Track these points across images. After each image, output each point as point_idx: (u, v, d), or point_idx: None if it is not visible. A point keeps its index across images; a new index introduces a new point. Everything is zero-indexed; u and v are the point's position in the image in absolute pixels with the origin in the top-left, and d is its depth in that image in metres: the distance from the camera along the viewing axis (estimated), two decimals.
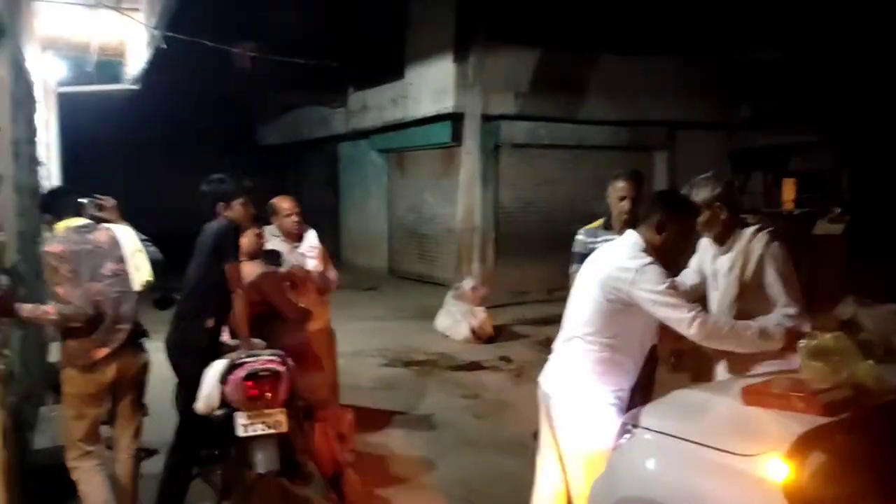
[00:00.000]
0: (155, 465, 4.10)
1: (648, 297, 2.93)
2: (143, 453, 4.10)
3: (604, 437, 2.94)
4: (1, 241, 3.51)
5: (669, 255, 3.14)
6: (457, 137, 12.03)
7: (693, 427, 2.58)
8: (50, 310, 3.54)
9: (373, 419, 5.75)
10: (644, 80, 12.79)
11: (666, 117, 13.34)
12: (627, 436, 2.77)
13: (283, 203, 5.01)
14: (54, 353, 5.43)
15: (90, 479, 3.64)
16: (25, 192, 5.23)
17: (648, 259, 2.99)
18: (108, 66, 8.44)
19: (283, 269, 4.58)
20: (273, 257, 4.53)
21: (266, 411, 3.60)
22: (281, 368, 3.67)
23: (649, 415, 2.76)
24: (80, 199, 3.85)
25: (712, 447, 2.43)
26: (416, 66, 13.15)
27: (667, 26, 12.23)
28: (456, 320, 9.32)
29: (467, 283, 10.13)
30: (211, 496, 4.08)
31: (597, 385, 3.05)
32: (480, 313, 9.34)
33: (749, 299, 3.26)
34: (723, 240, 3.38)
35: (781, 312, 3.18)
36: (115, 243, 3.77)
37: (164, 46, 6.46)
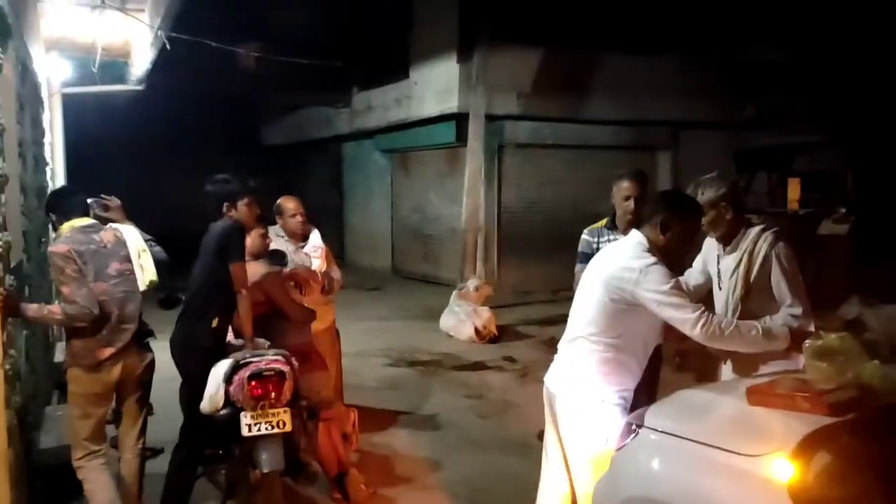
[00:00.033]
0: (160, 465, 4.11)
1: (653, 298, 2.93)
2: (149, 452, 4.12)
3: (608, 437, 2.94)
4: (7, 241, 3.52)
5: (674, 255, 3.13)
6: (461, 137, 12.05)
7: (698, 427, 2.57)
8: (55, 309, 3.55)
9: (377, 419, 5.75)
10: (647, 80, 12.78)
11: (669, 117, 13.33)
12: (632, 436, 2.77)
13: (288, 203, 5.02)
14: (60, 353, 5.45)
15: (96, 479, 3.65)
16: (31, 192, 5.25)
17: (653, 259, 2.99)
18: (113, 67, 8.45)
19: (287, 269, 4.58)
20: (278, 257, 4.53)
21: (270, 411, 3.61)
22: (285, 368, 3.68)
23: (654, 415, 2.75)
24: (85, 200, 3.86)
25: (717, 447, 2.43)
26: (420, 66, 13.16)
27: (670, 26, 12.21)
28: (460, 320, 9.32)
29: (471, 283, 10.14)
30: (216, 495, 4.10)
31: (601, 385, 3.05)
32: (485, 313, 9.35)
33: (754, 299, 3.26)
34: (728, 240, 3.37)
35: (787, 312, 3.18)
36: (120, 243, 3.78)
37: (168, 47, 6.46)
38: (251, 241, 4.14)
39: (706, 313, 2.91)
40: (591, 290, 3.13)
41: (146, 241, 3.94)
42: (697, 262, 3.66)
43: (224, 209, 4.00)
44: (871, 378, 2.55)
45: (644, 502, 2.62)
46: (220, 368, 3.67)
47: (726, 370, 3.40)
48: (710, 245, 3.54)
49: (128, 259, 3.77)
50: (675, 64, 12.90)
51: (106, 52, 7.05)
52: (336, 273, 5.10)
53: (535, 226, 12.98)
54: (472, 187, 11.49)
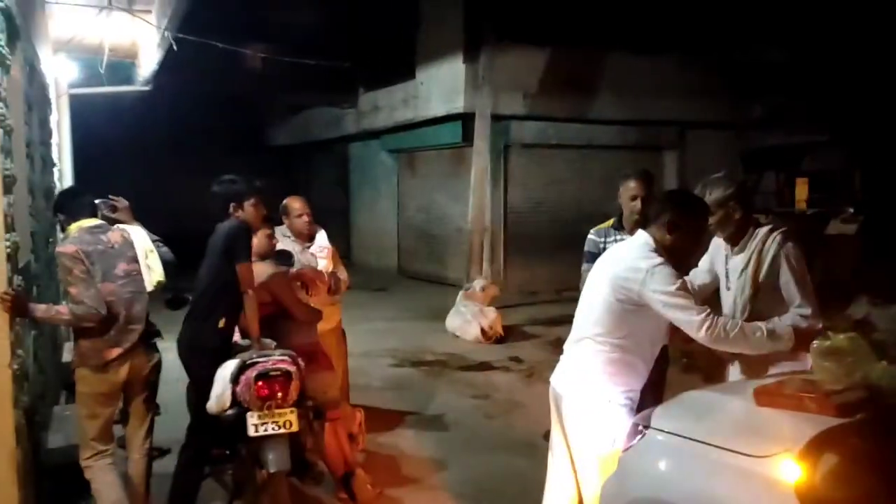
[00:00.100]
0: (167, 465, 4.12)
1: (659, 299, 2.92)
2: (156, 452, 4.13)
3: (615, 438, 2.93)
4: (15, 241, 3.53)
5: (680, 255, 3.12)
6: (467, 137, 12.05)
7: (705, 428, 2.57)
8: (63, 310, 3.57)
9: (383, 419, 5.76)
10: (653, 80, 12.76)
11: (676, 117, 13.30)
12: (639, 437, 2.76)
13: (295, 203, 5.02)
14: (68, 353, 5.47)
15: (103, 478, 3.66)
16: (39, 192, 5.27)
17: (659, 259, 2.98)
18: (120, 68, 8.50)
19: (293, 270, 4.59)
20: (285, 258, 4.54)
21: (277, 411, 3.61)
22: (292, 368, 3.69)
23: (661, 416, 2.75)
24: (93, 200, 3.88)
25: (724, 448, 2.42)
26: (426, 66, 13.16)
27: (676, 26, 12.18)
28: (466, 320, 9.32)
29: (477, 283, 10.13)
30: (222, 495, 4.11)
31: (608, 386, 3.04)
32: (491, 313, 9.34)
33: (763, 299, 3.25)
34: (736, 240, 3.36)
35: (796, 313, 3.17)
36: (127, 244, 3.80)
37: (175, 48, 6.48)
38: (257, 241, 4.14)
39: (711, 315, 2.90)
40: (597, 290, 3.13)
41: (153, 241, 3.95)
42: (704, 261, 3.65)
43: (230, 209, 4.01)
44: (880, 379, 2.54)
45: (651, 503, 2.61)
46: (227, 369, 3.68)
47: (734, 371, 3.39)
48: (718, 245, 3.53)
49: (135, 260, 3.79)
50: (680, 63, 12.87)
51: (113, 53, 7.09)
52: (342, 273, 5.11)
53: (541, 226, 12.97)
54: (478, 187, 11.49)
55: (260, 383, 3.59)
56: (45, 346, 5.05)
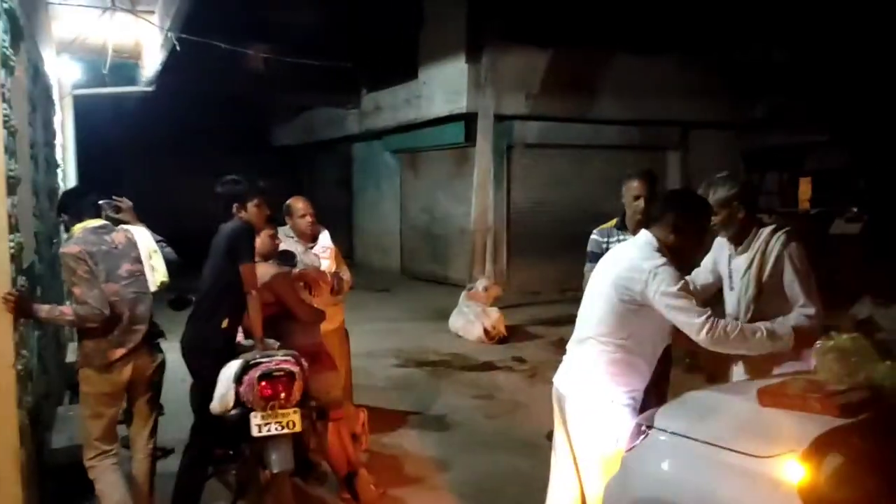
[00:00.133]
0: (171, 465, 4.12)
1: (661, 300, 2.92)
2: (160, 452, 4.14)
3: (618, 438, 2.93)
4: (19, 242, 3.54)
5: (683, 255, 3.13)
6: (470, 138, 12.06)
7: (708, 428, 2.56)
8: (67, 310, 3.57)
9: (386, 419, 5.76)
10: (656, 80, 12.74)
11: (678, 117, 13.29)
12: (642, 437, 2.76)
13: (298, 203, 5.03)
14: (72, 353, 5.48)
15: (107, 478, 3.67)
16: (43, 193, 5.28)
17: (662, 260, 2.98)
18: (124, 69, 8.51)
19: (296, 270, 4.59)
20: (287, 258, 4.54)
21: (280, 411, 3.61)
22: (295, 369, 3.69)
23: (664, 416, 2.75)
24: (97, 201, 3.88)
25: (728, 448, 2.42)
26: (428, 66, 13.17)
27: (678, 26, 12.17)
28: (469, 321, 9.32)
29: (480, 284, 10.13)
30: (226, 495, 4.11)
31: (611, 386, 3.04)
32: (493, 313, 9.34)
33: (766, 299, 3.25)
34: (740, 240, 3.36)
35: (800, 312, 3.17)
36: (131, 244, 3.80)
37: (178, 48, 6.50)
38: (261, 241, 4.15)
39: (711, 318, 2.89)
40: (600, 290, 3.12)
41: (157, 242, 3.95)
42: (707, 261, 3.64)
43: (234, 210, 4.02)
44: (883, 379, 2.54)
45: (654, 503, 2.61)
46: (231, 369, 3.68)
47: (737, 371, 3.39)
48: (721, 244, 3.52)
49: (139, 260, 3.79)
50: (683, 64, 12.86)
51: (116, 54, 7.10)
52: (345, 274, 5.11)
53: (544, 226, 12.96)
54: (481, 187, 11.49)
55: (263, 383, 3.59)
56: (49, 346, 5.07)
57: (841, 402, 2.42)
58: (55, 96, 7.59)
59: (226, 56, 7.72)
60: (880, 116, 12.13)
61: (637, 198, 4.07)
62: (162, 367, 3.88)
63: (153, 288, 3.82)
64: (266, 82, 14.15)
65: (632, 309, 3.00)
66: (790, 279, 3.21)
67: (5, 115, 3.35)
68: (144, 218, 4.10)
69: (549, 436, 3.40)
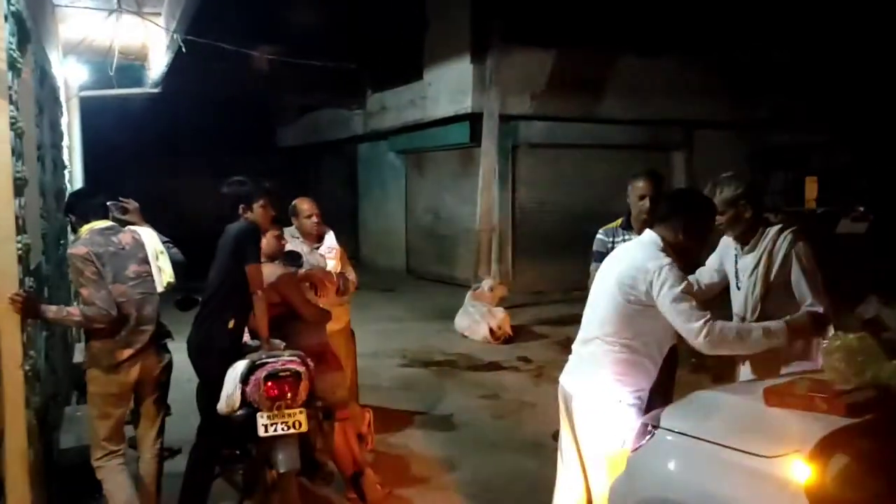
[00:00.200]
0: (178, 465, 4.14)
1: (663, 301, 2.92)
2: (167, 452, 4.15)
3: (624, 438, 2.93)
4: (26, 243, 3.56)
5: (688, 255, 3.12)
6: (475, 138, 12.06)
7: (714, 428, 2.56)
8: (74, 311, 3.59)
9: (392, 419, 5.77)
10: (660, 80, 12.72)
11: (683, 116, 13.25)
12: (648, 437, 2.76)
13: (303, 204, 5.04)
14: (79, 354, 5.50)
15: (115, 479, 3.68)
16: (50, 194, 5.30)
17: (668, 260, 2.98)
18: (130, 70, 8.53)
19: (302, 271, 4.60)
20: (293, 258, 4.55)
21: (287, 411, 3.62)
22: (301, 369, 3.70)
23: (670, 416, 2.74)
24: (104, 202, 3.90)
25: (734, 448, 2.42)
26: (433, 67, 13.17)
27: (682, 26, 12.14)
28: (475, 320, 9.32)
29: (486, 283, 10.14)
30: (233, 495, 4.12)
31: (617, 386, 3.04)
32: (499, 313, 9.34)
33: (773, 299, 3.24)
34: (746, 239, 3.35)
35: (807, 311, 3.16)
36: (138, 245, 3.81)
37: (184, 50, 6.51)
38: (266, 242, 4.16)
39: (709, 323, 2.88)
40: (605, 290, 3.12)
41: (163, 243, 3.97)
42: (712, 260, 3.63)
43: (240, 211, 4.03)
44: (890, 378, 2.53)
45: (660, 503, 2.61)
46: (237, 369, 3.69)
47: (744, 371, 3.38)
48: (727, 244, 3.52)
49: (146, 261, 3.80)
50: (688, 63, 12.83)
51: (123, 56, 7.11)
52: (351, 274, 5.12)
53: (550, 225, 12.96)
54: (486, 187, 11.49)
55: (269, 384, 3.60)
56: (56, 347, 5.09)
57: (847, 401, 2.42)
58: (62, 98, 7.62)
59: (231, 57, 7.73)
60: (881, 116, 12.09)
61: (642, 197, 4.07)
62: (169, 367, 3.90)
63: (160, 289, 3.83)
64: (271, 83, 14.20)
65: (637, 309, 3.00)
66: (797, 278, 3.21)
67: (12, 118, 3.36)
68: (151, 219, 4.11)
69: (555, 435, 3.40)
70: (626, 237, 4.05)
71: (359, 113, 16.16)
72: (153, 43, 7.60)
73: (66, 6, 6.11)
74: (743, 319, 3.32)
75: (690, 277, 3.36)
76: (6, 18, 3.34)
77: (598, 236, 4.28)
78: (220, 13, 8.07)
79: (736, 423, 2.58)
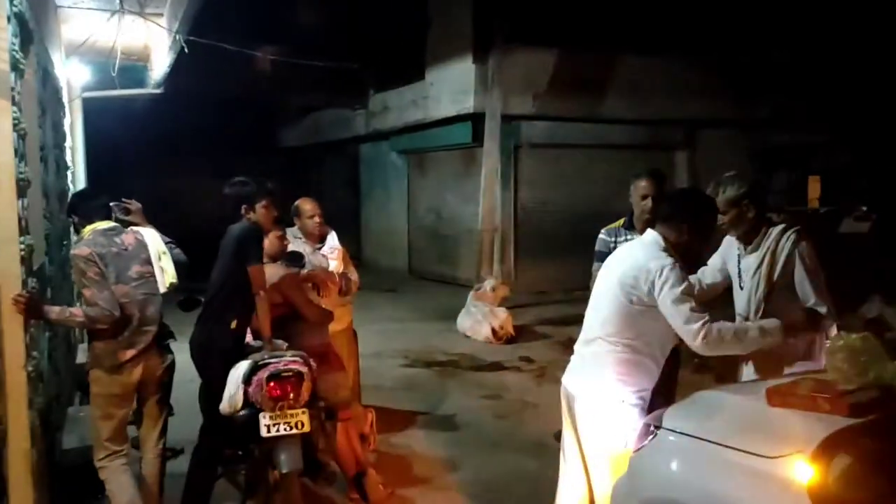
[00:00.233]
0: (180, 465, 4.15)
1: (664, 300, 2.92)
2: (169, 453, 4.16)
3: (627, 438, 2.93)
4: (29, 244, 3.57)
5: (690, 254, 3.12)
6: (477, 138, 12.06)
7: (717, 428, 2.56)
8: (77, 312, 3.60)
9: (395, 419, 5.77)
10: (663, 80, 12.72)
11: (685, 116, 13.24)
12: (650, 437, 2.76)
13: (306, 205, 5.04)
14: (82, 354, 5.51)
15: (117, 479, 3.69)
16: (53, 195, 5.31)
17: (670, 260, 2.98)
18: (132, 71, 8.55)
19: (304, 271, 4.61)
20: (296, 259, 4.56)
21: (289, 412, 3.62)
22: (303, 369, 3.70)
23: (672, 416, 2.74)
24: (107, 203, 3.91)
25: (736, 448, 2.42)
26: (435, 67, 13.18)
27: (684, 25, 12.13)
28: (477, 321, 9.32)
29: (488, 284, 10.13)
30: (235, 495, 4.13)
31: (619, 386, 3.04)
32: (501, 313, 9.34)
33: (777, 299, 3.24)
34: (749, 239, 3.35)
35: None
36: (141, 246, 3.82)
37: (186, 50, 6.52)
38: (269, 242, 4.16)
39: (707, 324, 2.88)
40: (607, 289, 3.12)
41: (166, 243, 3.97)
42: (715, 260, 3.63)
43: (242, 211, 4.03)
44: (893, 378, 2.52)
45: (662, 503, 2.61)
46: (239, 370, 3.69)
47: (747, 371, 3.38)
48: (730, 244, 3.51)
49: (148, 262, 3.81)
50: (690, 63, 12.81)
51: (125, 57, 7.12)
52: (353, 274, 5.12)
53: (552, 225, 12.96)
54: (489, 187, 11.49)
55: (272, 384, 3.61)
56: (59, 347, 5.10)
57: (850, 401, 2.41)
58: (64, 99, 7.63)
59: (234, 58, 7.75)
60: (881, 116, 12.07)
61: (645, 197, 4.07)
62: (172, 367, 3.90)
63: (163, 289, 3.84)
64: (273, 84, 14.20)
65: (639, 309, 3.00)
66: (801, 278, 3.20)
67: (15, 118, 3.37)
68: (153, 219, 4.12)
69: (558, 436, 3.40)
70: (629, 237, 4.05)
71: (361, 113, 16.17)
72: (155, 44, 7.62)
73: (69, 7, 6.12)
74: (746, 319, 3.32)
75: (692, 277, 3.36)
76: (9, 19, 3.35)
77: (601, 236, 4.28)
78: (222, 14, 8.07)
79: (738, 423, 2.58)
